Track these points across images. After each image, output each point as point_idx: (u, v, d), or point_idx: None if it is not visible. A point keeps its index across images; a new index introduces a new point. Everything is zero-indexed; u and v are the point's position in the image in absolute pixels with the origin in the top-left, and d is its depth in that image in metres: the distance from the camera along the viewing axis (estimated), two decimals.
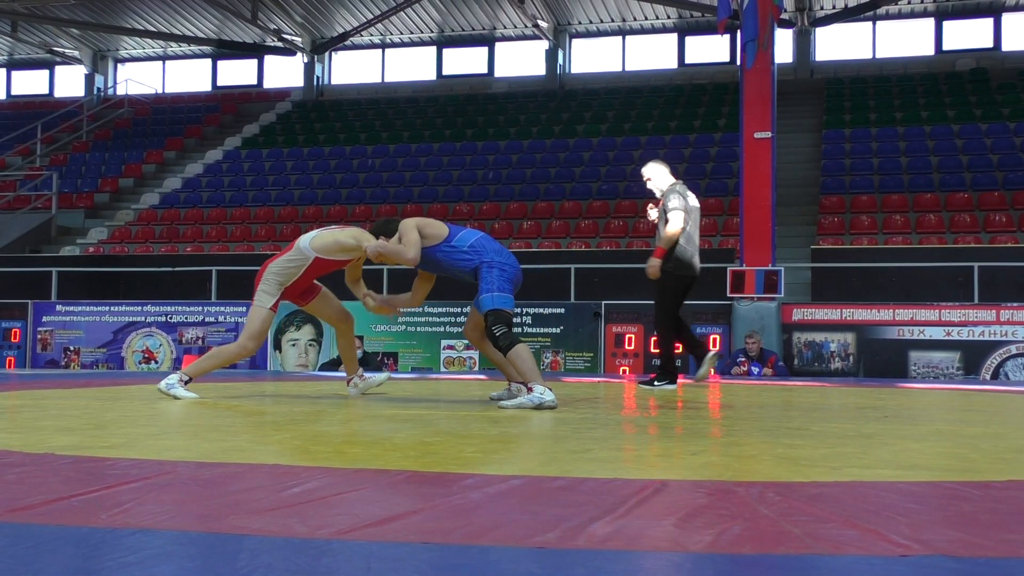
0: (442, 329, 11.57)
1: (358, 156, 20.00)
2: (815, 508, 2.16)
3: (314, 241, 5.59)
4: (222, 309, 12.18)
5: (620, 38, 23.05)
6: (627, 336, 11.05)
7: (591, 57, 23.29)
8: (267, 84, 25.15)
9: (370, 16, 22.44)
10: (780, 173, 13.81)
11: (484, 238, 5.48)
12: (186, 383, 5.50)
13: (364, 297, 5.79)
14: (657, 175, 7.31)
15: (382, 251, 5.41)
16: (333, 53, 24.36)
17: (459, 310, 11.23)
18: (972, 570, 1.65)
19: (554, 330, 11.30)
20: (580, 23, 22.67)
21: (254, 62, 25.19)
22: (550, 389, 5.03)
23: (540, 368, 10.58)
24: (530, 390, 5.04)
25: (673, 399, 6.04)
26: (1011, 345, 10.29)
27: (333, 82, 24.49)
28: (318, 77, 24.03)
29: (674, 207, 6.99)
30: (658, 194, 7.31)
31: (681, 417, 4.95)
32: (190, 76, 25.82)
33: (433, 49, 24.03)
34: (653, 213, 7.31)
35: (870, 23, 21.60)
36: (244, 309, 11.87)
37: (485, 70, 23.70)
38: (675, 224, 6.94)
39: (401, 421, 4.38)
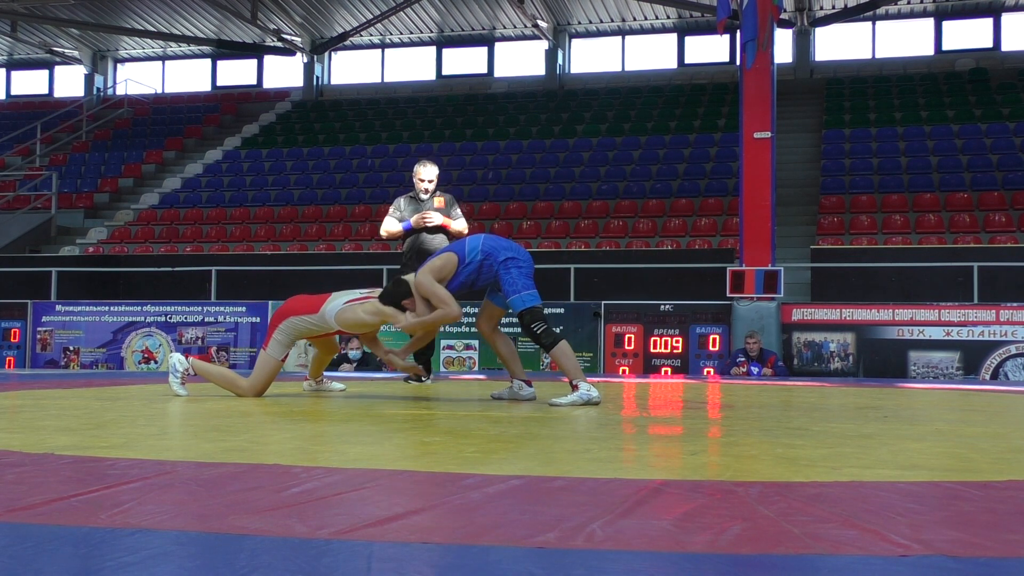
0: (442, 329, 11.52)
1: (358, 156, 19.99)
2: (815, 508, 2.16)
3: (339, 315, 5.54)
4: (222, 309, 12.17)
5: (620, 38, 23.05)
6: (627, 336, 11.05)
7: (591, 57, 23.29)
8: (267, 84, 25.15)
9: (370, 16, 22.43)
10: (780, 173, 13.81)
11: (488, 238, 5.51)
12: (190, 375, 5.70)
13: (387, 355, 5.75)
14: (436, 179, 7.26)
15: (419, 326, 5.39)
16: (333, 53, 24.36)
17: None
18: (972, 570, 1.65)
19: (554, 330, 11.27)
20: (580, 23, 22.66)
21: (254, 62, 25.19)
22: (593, 386, 5.20)
23: (540, 368, 10.64)
24: (575, 387, 5.19)
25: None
26: (1011, 345, 10.29)
27: (333, 82, 24.49)
28: (318, 77, 24.03)
29: (460, 214, 7.18)
30: (425, 196, 7.17)
31: (681, 417, 4.96)
32: (190, 76, 25.82)
33: (433, 49, 24.03)
34: (438, 217, 7.02)
35: (870, 23, 21.60)
36: (244, 309, 11.89)
37: (485, 70, 23.70)
38: (466, 229, 7.10)
39: (401, 421, 4.38)
